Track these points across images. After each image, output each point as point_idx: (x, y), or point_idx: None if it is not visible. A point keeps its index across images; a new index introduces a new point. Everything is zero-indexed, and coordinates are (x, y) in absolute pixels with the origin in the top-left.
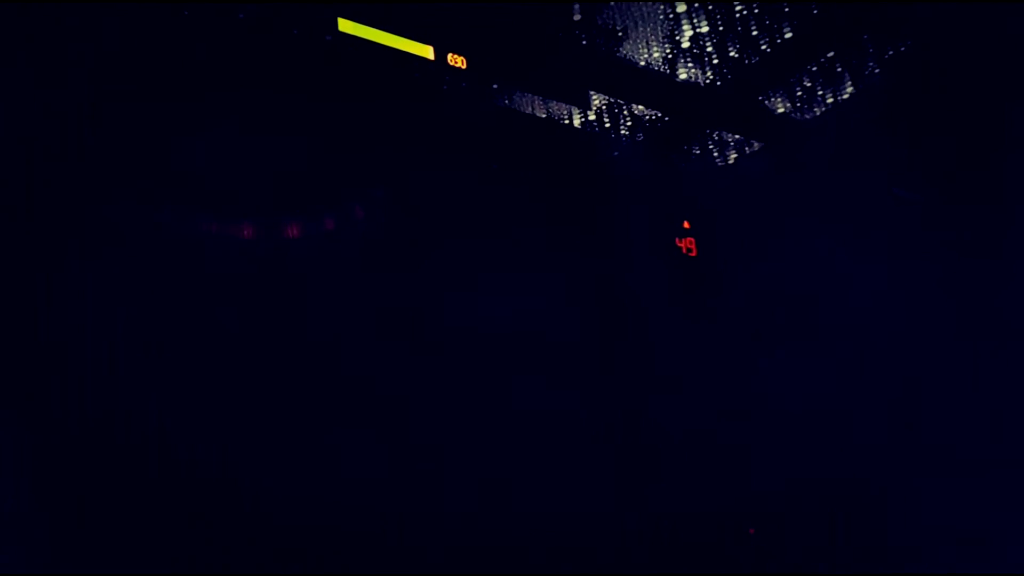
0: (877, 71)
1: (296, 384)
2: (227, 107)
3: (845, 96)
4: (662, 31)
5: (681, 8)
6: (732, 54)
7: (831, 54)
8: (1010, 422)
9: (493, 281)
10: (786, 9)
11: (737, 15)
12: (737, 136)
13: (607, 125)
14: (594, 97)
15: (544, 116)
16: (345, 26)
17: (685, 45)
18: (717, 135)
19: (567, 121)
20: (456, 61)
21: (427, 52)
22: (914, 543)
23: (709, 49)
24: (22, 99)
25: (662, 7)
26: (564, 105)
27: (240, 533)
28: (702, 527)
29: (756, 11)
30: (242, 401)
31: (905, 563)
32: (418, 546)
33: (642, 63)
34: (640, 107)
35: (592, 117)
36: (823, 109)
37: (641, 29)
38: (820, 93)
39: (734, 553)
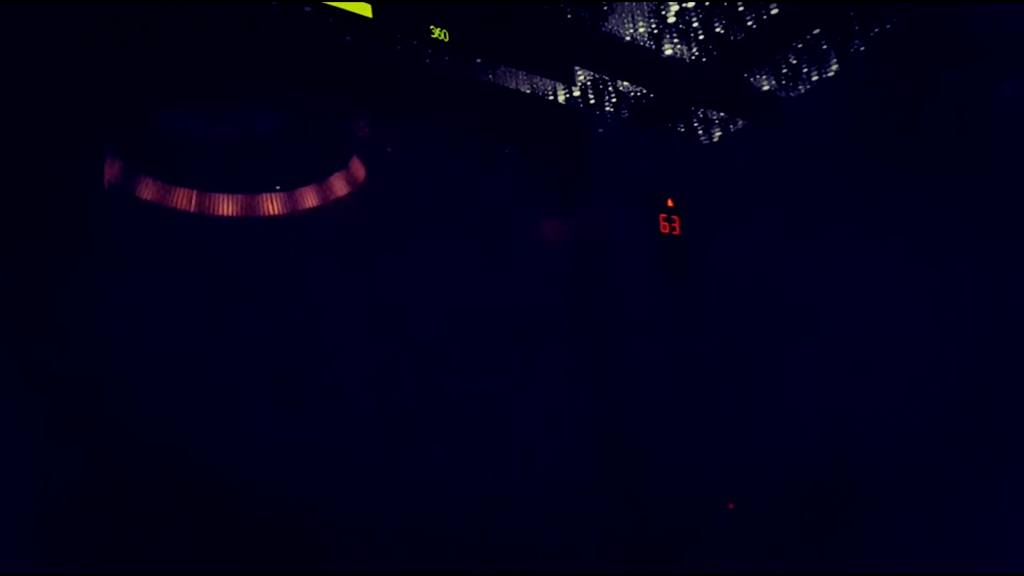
0: (863, 48)
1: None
2: (211, 81)
3: (830, 73)
4: (648, 5)
5: None
6: (718, 30)
7: (816, 31)
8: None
9: (474, 257)
10: None
11: None
12: (722, 114)
13: (592, 101)
14: (579, 72)
15: (528, 91)
16: None
17: (671, 20)
18: (702, 112)
19: (551, 97)
20: (439, 34)
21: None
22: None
23: (695, 24)
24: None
25: None
26: (548, 80)
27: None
28: (678, 502)
29: None
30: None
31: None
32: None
33: (628, 38)
34: (625, 83)
35: (577, 93)
36: (808, 86)
37: (627, 2)
38: (805, 70)
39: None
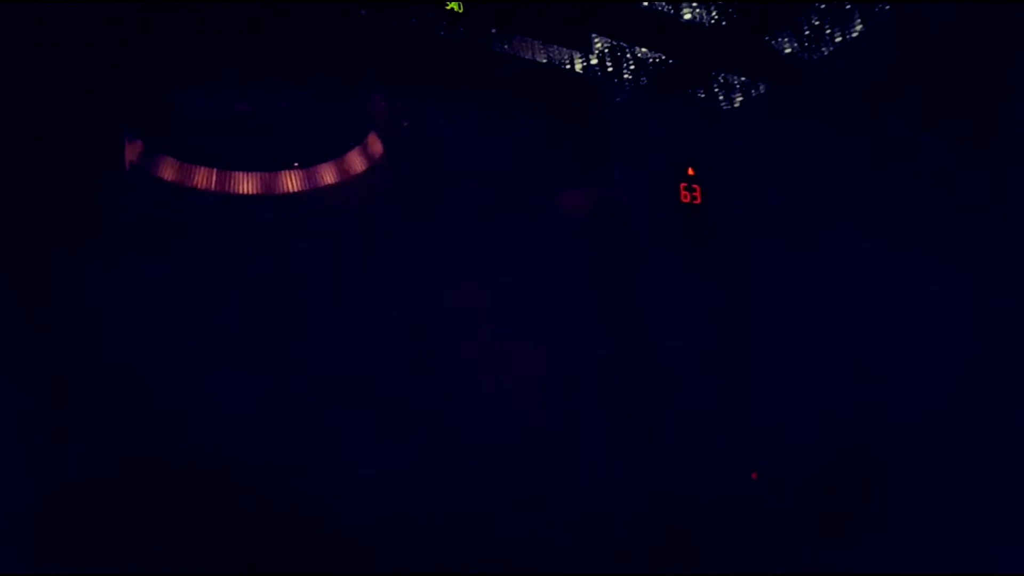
0: (888, 7)
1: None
2: (226, 59)
3: (854, 34)
4: None
5: None
6: None
7: None
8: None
9: (491, 235)
10: None
11: None
12: (743, 78)
13: (610, 69)
14: (596, 40)
15: (545, 61)
16: None
17: None
18: (722, 78)
19: (568, 66)
20: (453, 5)
21: None
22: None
23: None
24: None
25: None
26: (565, 50)
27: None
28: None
29: None
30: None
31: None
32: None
33: (645, 3)
34: (643, 50)
35: (594, 61)
36: (832, 48)
37: None
38: (828, 32)
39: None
